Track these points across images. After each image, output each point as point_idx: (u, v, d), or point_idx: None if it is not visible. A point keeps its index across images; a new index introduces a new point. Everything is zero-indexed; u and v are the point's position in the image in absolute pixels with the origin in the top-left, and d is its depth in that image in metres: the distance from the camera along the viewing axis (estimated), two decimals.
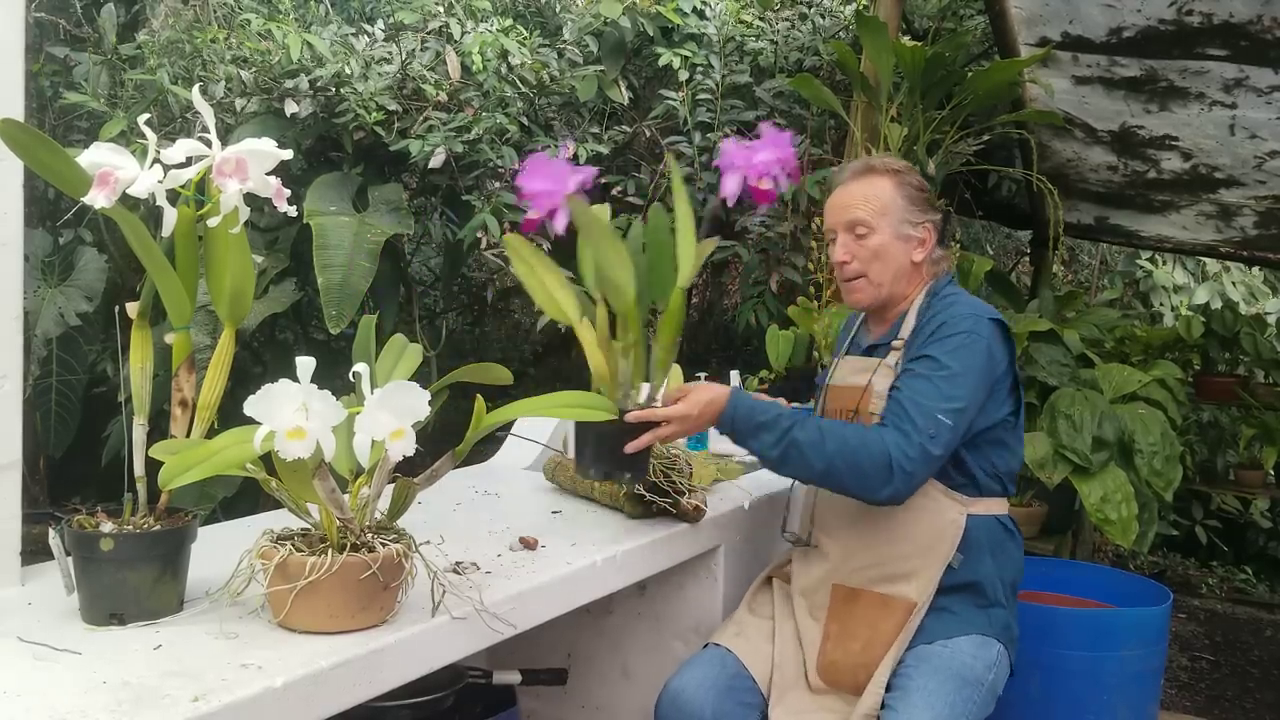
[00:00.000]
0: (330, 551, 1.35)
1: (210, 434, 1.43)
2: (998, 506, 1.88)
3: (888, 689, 1.74)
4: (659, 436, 1.75)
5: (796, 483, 2.04)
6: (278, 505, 1.46)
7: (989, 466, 1.85)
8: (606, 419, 1.70)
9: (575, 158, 3.39)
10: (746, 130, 3.45)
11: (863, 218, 1.87)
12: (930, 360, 1.77)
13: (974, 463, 1.84)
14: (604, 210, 1.84)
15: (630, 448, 1.72)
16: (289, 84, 3.52)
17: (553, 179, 1.65)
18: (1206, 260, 5.58)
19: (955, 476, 1.83)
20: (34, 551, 1.55)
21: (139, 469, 1.42)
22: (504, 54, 3.48)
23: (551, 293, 1.77)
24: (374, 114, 3.42)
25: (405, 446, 1.35)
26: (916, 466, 1.71)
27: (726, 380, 2.50)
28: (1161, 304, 5.59)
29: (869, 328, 2.00)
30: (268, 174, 1.40)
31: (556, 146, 3.39)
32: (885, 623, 1.80)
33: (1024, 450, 1.96)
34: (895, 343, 1.88)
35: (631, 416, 1.72)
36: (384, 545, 1.38)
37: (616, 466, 1.78)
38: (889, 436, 1.72)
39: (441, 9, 3.64)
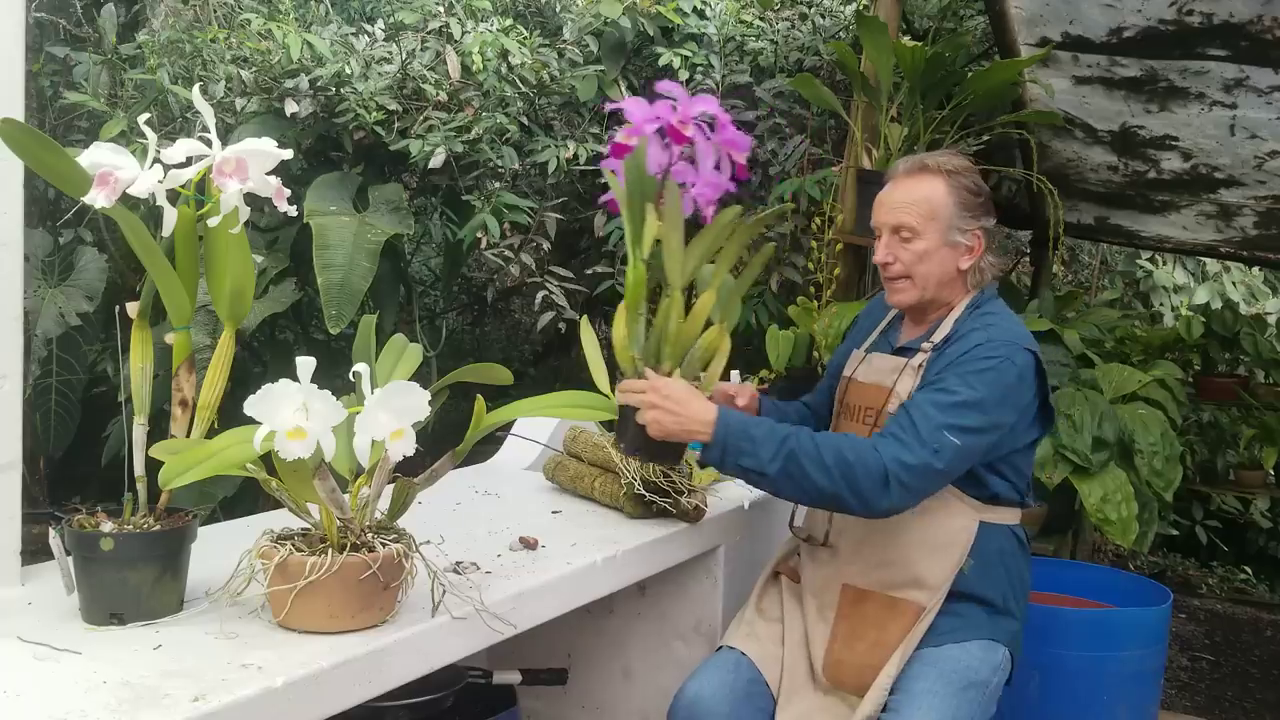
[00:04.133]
0: (330, 551, 1.35)
1: (210, 434, 1.43)
2: (1011, 516, 1.85)
3: (891, 691, 1.74)
4: (639, 403, 1.69)
5: None
6: (278, 505, 1.46)
7: (1005, 478, 1.82)
8: (607, 418, 1.70)
9: (575, 157, 3.38)
10: (747, 129, 3.45)
11: (910, 222, 1.80)
12: (955, 378, 1.71)
13: (989, 475, 1.80)
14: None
15: (621, 401, 1.69)
16: (289, 84, 3.52)
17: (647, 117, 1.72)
18: (1206, 260, 5.58)
19: (970, 485, 1.80)
20: (34, 551, 1.55)
21: (139, 469, 1.42)
22: (504, 54, 3.48)
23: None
24: (374, 114, 3.42)
25: (405, 446, 1.36)
26: (915, 479, 1.65)
27: (726, 379, 2.49)
28: (1161, 304, 5.58)
29: (903, 326, 1.95)
30: (268, 174, 1.40)
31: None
32: (893, 625, 1.79)
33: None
34: (924, 345, 1.83)
35: (620, 389, 1.69)
36: (384, 545, 1.38)
37: (653, 453, 1.76)
38: (886, 447, 1.66)
39: (441, 9, 3.64)
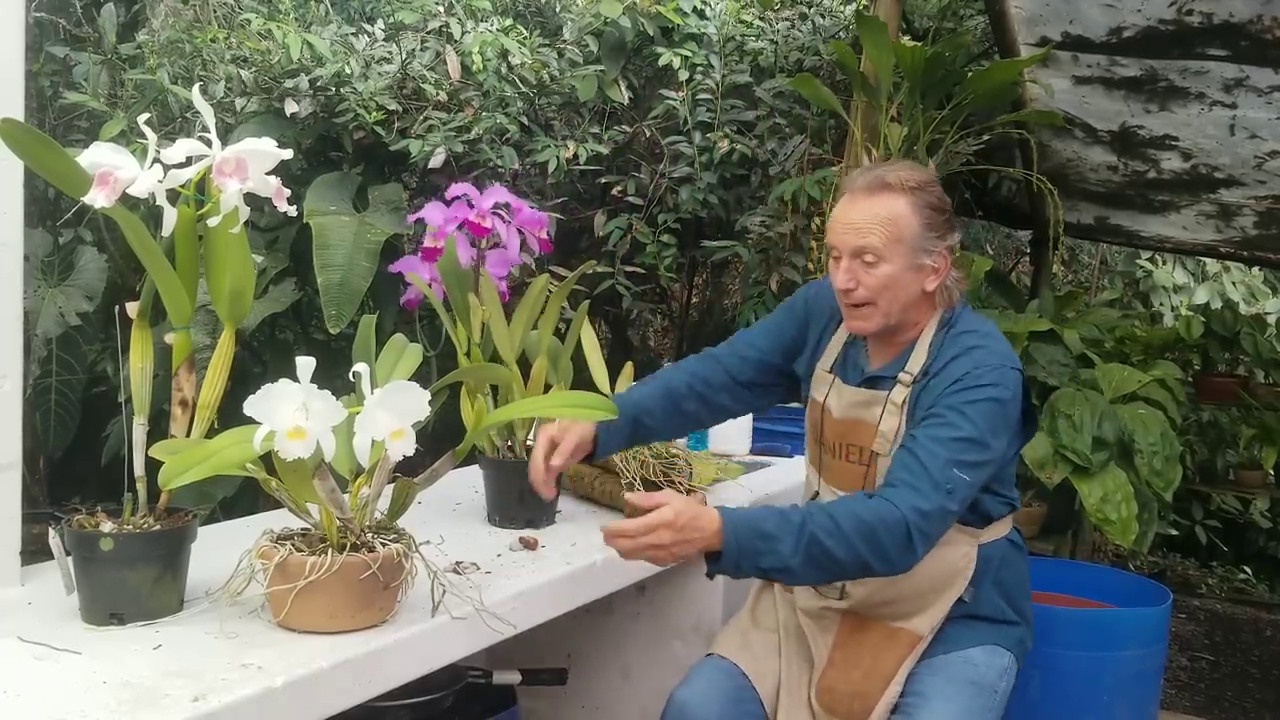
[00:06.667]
0: (330, 551, 1.35)
1: (210, 434, 1.43)
2: (1004, 526, 1.82)
3: (900, 694, 1.73)
4: (632, 549, 1.52)
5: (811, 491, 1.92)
6: (278, 505, 1.46)
7: (995, 494, 1.77)
8: (607, 418, 1.71)
9: (575, 157, 3.38)
10: (746, 129, 3.45)
11: (873, 245, 1.67)
12: (953, 413, 1.62)
13: (982, 496, 1.73)
14: None
15: (623, 548, 1.54)
16: (289, 84, 3.52)
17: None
18: (1206, 260, 5.57)
19: (966, 514, 1.73)
20: (34, 551, 1.55)
21: (139, 469, 1.42)
22: (504, 54, 3.48)
23: None
24: (374, 114, 3.42)
25: (405, 446, 1.36)
26: (933, 526, 1.57)
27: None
28: (1161, 304, 5.58)
29: (870, 352, 1.81)
30: (268, 174, 1.40)
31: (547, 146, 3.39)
32: (889, 654, 1.75)
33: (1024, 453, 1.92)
34: (902, 376, 1.73)
35: (610, 530, 1.53)
36: (384, 545, 1.38)
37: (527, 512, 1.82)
38: (903, 499, 1.55)
39: (441, 9, 3.64)
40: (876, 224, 1.67)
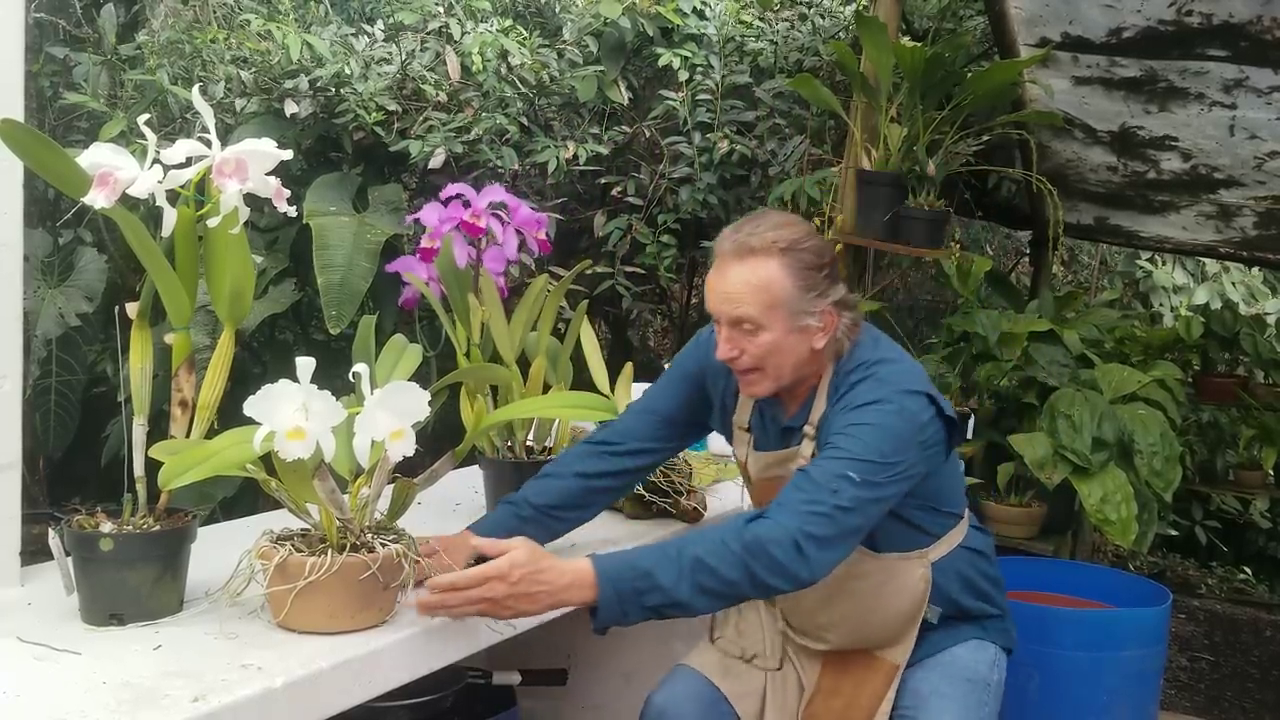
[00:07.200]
0: (330, 552, 1.35)
1: (210, 434, 1.43)
2: (958, 535, 1.77)
3: (900, 702, 1.73)
4: (460, 602, 1.40)
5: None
6: (277, 505, 1.46)
7: (937, 510, 1.73)
8: (607, 418, 1.71)
9: (575, 157, 3.38)
10: (746, 130, 3.45)
11: (749, 314, 1.59)
12: (839, 436, 1.56)
13: (923, 516, 1.71)
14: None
15: (422, 601, 1.41)
16: (289, 84, 3.51)
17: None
18: (1206, 260, 5.58)
19: (907, 536, 1.71)
20: (34, 551, 1.55)
21: (139, 469, 1.43)
22: (504, 54, 3.48)
23: None
24: (374, 114, 3.42)
25: (405, 447, 1.36)
26: (824, 527, 1.47)
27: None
28: (1161, 304, 5.58)
29: (783, 401, 1.74)
30: (268, 174, 1.40)
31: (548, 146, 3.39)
32: (869, 685, 1.75)
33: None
34: (807, 429, 1.68)
35: (437, 584, 1.39)
36: (384, 545, 1.38)
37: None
38: (785, 508, 1.49)
39: (441, 9, 3.64)
40: (749, 292, 1.59)
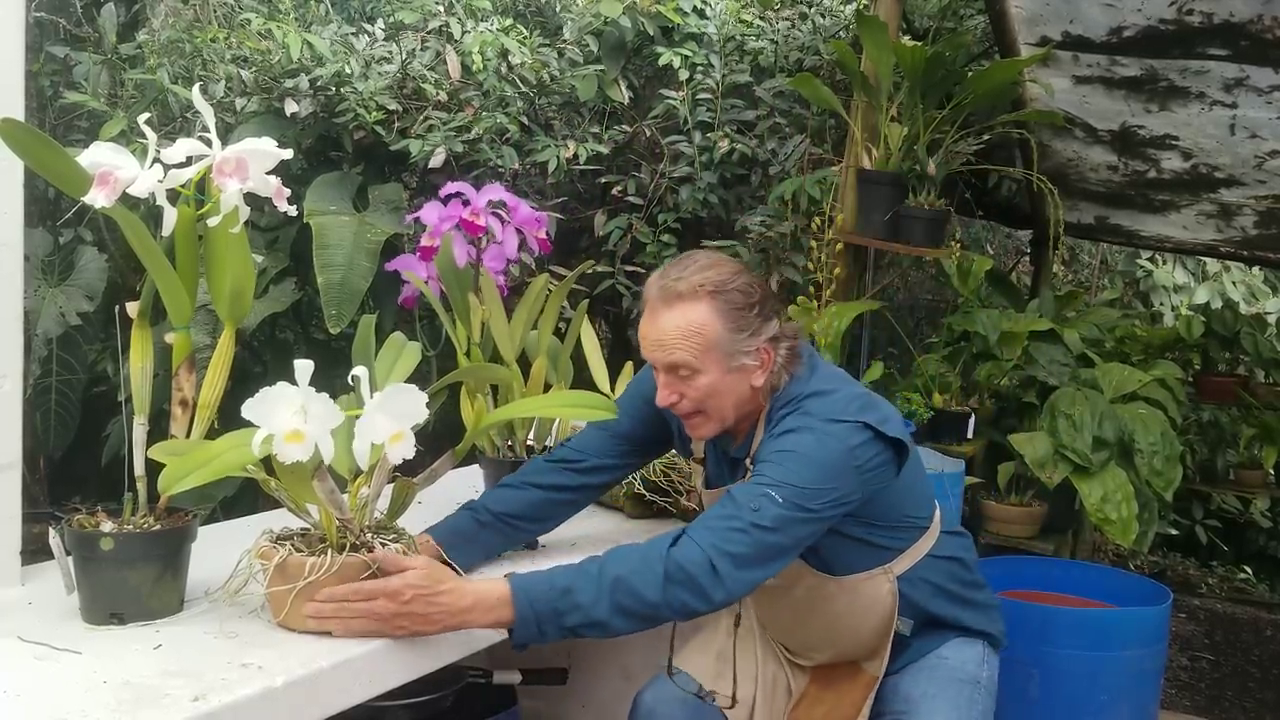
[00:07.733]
0: (330, 551, 1.35)
1: (210, 434, 1.43)
2: (926, 544, 1.73)
3: (892, 708, 1.73)
4: (346, 617, 1.34)
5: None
6: (277, 505, 1.46)
7: (896, 528, 1.70)
8: (607, 418, 1.70)
9: (575, 156, 3.39)
10: (746, 129, 3.45)
11: (683, 359, 1.57)
12: (764, 464, 1.55)
13: (879, 535, 1.67)
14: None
15: (311, 610, 1.34)
16: (289, 84, 3.51)
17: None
18: (1206, 260, 5.58)
19: (867, 555, 1.68)
20: (34, 551, 1.55)
21: (139, 469, 1.43)
22: (504, 53, 3.48)
23: None
24: (374, 114, 3.42)
25: (404, 450, 1.36)
26: (740, 545, 1.45)
27: None
28: (1161, 304, 5.58)
29: (731, 435, 1.73)
30: (268, 173, 1.40)
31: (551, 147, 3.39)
32: (850, 695, 1.76)
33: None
34: (748, 461, 1.65)
35: (326, 596, 1.34)
36: (384, 545, 1.38)
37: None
38: (702, 528, 1.47)
39: (441, 8, 3.63)
40: (680, 338, 1.57)
